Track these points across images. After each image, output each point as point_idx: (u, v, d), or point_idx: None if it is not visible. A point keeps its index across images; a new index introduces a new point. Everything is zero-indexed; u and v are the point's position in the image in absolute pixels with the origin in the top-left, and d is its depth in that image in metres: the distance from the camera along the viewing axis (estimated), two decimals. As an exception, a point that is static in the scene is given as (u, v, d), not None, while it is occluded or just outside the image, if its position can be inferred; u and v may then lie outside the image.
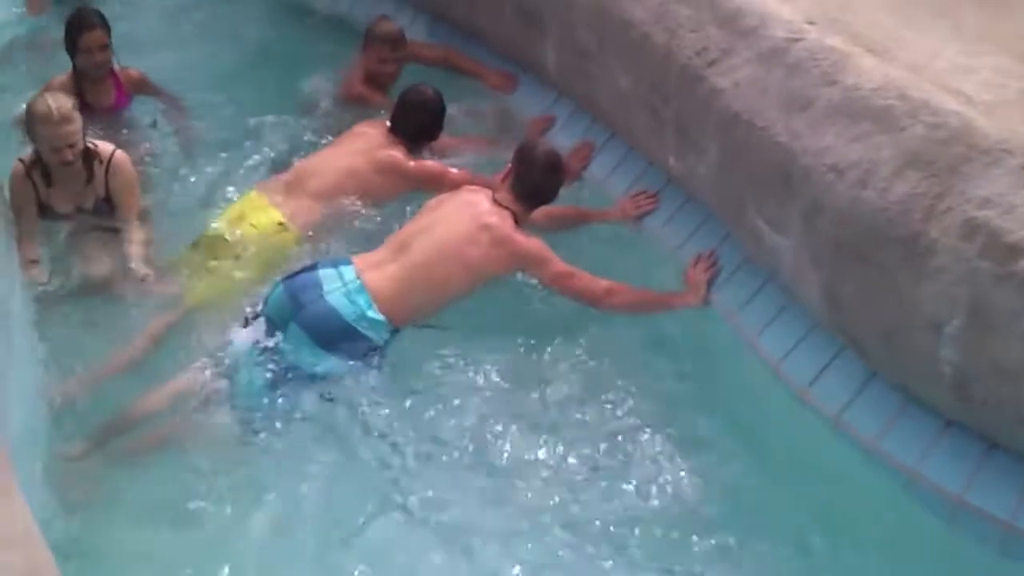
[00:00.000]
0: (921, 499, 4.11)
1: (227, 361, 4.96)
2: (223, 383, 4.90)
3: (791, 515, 4.44)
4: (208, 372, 4.94)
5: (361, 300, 4.93)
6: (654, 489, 4.55)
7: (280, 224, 5.70)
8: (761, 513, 4.47)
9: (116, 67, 6.64)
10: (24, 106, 5.64)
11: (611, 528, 4.42)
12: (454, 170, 5.93)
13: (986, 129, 3.83)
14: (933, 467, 4.09)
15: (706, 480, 4.58)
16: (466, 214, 5.21)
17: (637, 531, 4.40)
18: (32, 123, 5.48)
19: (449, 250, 5.09)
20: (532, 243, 5.19)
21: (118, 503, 4.48)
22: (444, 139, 6.18)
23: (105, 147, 5.68)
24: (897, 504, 4.20)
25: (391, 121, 6.09)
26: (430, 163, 6.00)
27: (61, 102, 5.46)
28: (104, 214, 5.70)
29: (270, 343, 4.94)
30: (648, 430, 4.78)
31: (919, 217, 3.86)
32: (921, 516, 4.12)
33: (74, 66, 6.51)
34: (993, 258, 3.64)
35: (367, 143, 6.02)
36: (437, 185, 5.80)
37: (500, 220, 5.20)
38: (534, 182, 5.33)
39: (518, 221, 5.26)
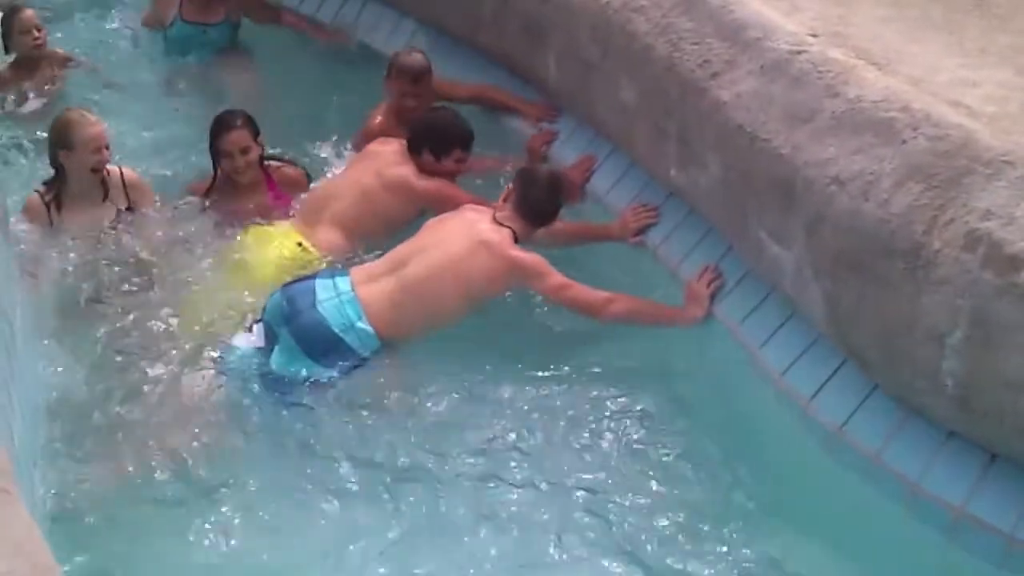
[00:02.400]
0: (922, 511, 4.10)
1: (228, 365, 5.06)
2: (224, 387, 5.00)
3: (787, 526, 4.45)
4: (209, 376, 5.03)
5: (351, 311, 5.01)
6: (651, 506, 4.57)
7: (300, 245, 5.75)
8: (755, 523, 4.47)
9: (268, 165, 6.15)
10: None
11: (605, 539, 4.44)
12: (465, 193, 5.84)
13: (988, 141, 3.84)
14: (934, 479, 4.10)
15: (701, 487, 4.61)
16: (465, 231, 5.24)
17: (629, 549, 4.40)
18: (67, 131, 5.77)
19: (445, 266, 5.13)
20: (530, 256, 5.20)
21: (117, 510, 4.50)
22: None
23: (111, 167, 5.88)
24: (897, 516, 4.19)
25: (408, 140, 6.02)
26: (440, 183, 5.90)
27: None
28: (127, 232, 5.83)
29: (265, 348, 5.08)
30: (642, 446, 4.82)
31: (921, 229, 3.86)
32: (922, 528, 4.12)
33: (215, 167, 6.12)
34: (995, 269, 3.65)
35: (378, 163, 5.99)
36: (441, 208, 5.71)
37: (499, 236, 5.23)
38: (536, 201, 5.36)
39: (517, 240, 5.27)
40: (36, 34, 7.18)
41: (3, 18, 7.26)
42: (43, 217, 5.79)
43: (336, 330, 4.98)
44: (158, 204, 6.03)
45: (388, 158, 5.99)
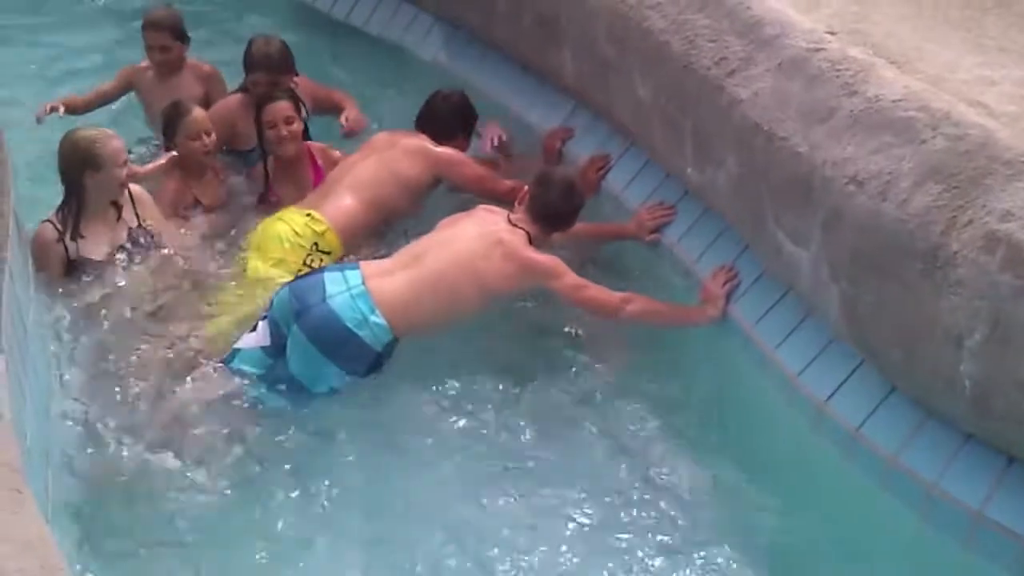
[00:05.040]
0: (939, 514, 4.07)
1: (232, 366, 5.05)
2: (229, 387, 4.98)
3: (801, 527, 4.43)
4: (215, 377, 5.03)
5: (363, 305, 4.93)
6: (661, 516, 4.54)
7: (308, 216, 5.73)
8: (768, 524, 4.47)
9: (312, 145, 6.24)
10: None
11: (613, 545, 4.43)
12: (477, 164, 6.04)
13: (1008, 141, 3.80)
14: (952, 481, 4.06)
15: (713, 490, 4.61)
16: (480, 230, 5.22)
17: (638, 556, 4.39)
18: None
19: (460, 264, 5.10)
20: (544, 257, 5.18)
21: (126, 508, 4.51)
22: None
23: None
24: (913, 519, 4.16)
25: (416, 120, 6.19)
26: (454, 150, 6.06)
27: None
28: (143, 246, 5.61)
29: (272, 348, 5.03)
30: (653, 447, 4.82)
31: (940, 230, 3.83)
32: (939, 532, 4.09)
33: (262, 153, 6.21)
34: (1014, 271, 3.61)
35: (391, 139, 6.10)
36: (458, 173, 5.99)
37: (513, 237, 5.20)
38: (550, 205, 5.33)
39: (532, 242, 5.25)
40: (205, 140, 6.08)
41: (166, 115, 6.18)
42: (59, 251, 5.38)
43: (349, 325, 4.90)
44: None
45: (400, 134, 6.13)
